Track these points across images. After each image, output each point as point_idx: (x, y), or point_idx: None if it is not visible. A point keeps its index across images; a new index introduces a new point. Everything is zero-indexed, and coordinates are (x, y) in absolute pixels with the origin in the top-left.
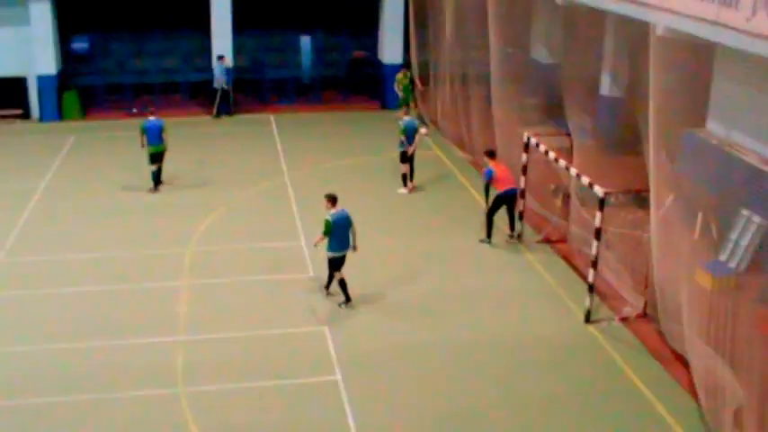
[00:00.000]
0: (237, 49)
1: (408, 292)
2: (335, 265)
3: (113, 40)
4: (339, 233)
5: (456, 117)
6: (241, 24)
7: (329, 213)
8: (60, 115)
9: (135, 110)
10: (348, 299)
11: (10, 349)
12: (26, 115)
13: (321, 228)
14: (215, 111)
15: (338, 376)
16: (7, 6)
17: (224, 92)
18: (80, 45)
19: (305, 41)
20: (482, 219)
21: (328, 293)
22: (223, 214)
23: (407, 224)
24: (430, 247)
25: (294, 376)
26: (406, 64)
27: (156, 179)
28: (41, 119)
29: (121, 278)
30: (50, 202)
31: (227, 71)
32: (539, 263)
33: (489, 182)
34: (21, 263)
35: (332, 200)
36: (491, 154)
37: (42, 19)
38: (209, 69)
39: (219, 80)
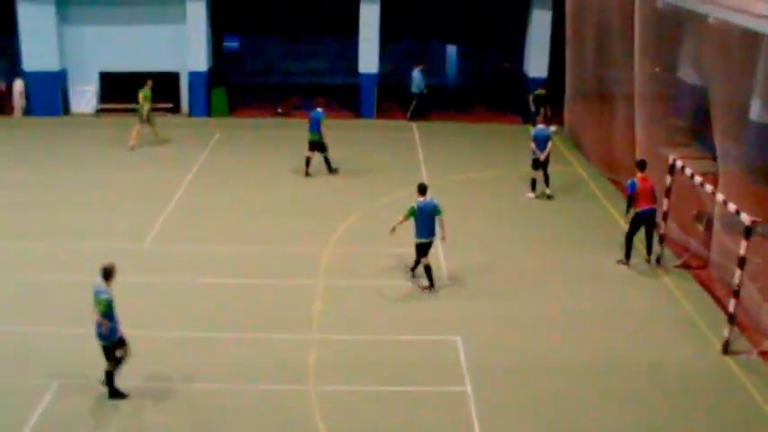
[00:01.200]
0: (384, 56)
1: (542, 308)
2: (421, 250)
3: (263, 42)
4: (424, 221)
5: (597, 133)
6: (389, 31)
7: (416, 201)
8: (208, 111)
9: (280, 110)
10: (432, 284)
11: (148, 333)
12: (176, 109)
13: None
14: (409, 114)
15: (468, 388)
16: (165, 4)
17: (422, 96)
18: (231, 45)
19: (451, 51)
20: (618, 237)
21: (413, 275)
22: (362, 217)
23: (543, 237)
24: (564, 262)
25: (423, 384)
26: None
27: (328, 166)
28: (190, 113)
29: (259, 273)
30: (195, 193)
31: (424, 77)
32: (677, 288)
33: (632, 195)
34: (165, 251)
35: (421, 189)
36: (641, 165)
37: (197, 18)
38: (355, 73)
39: (419, 85)
